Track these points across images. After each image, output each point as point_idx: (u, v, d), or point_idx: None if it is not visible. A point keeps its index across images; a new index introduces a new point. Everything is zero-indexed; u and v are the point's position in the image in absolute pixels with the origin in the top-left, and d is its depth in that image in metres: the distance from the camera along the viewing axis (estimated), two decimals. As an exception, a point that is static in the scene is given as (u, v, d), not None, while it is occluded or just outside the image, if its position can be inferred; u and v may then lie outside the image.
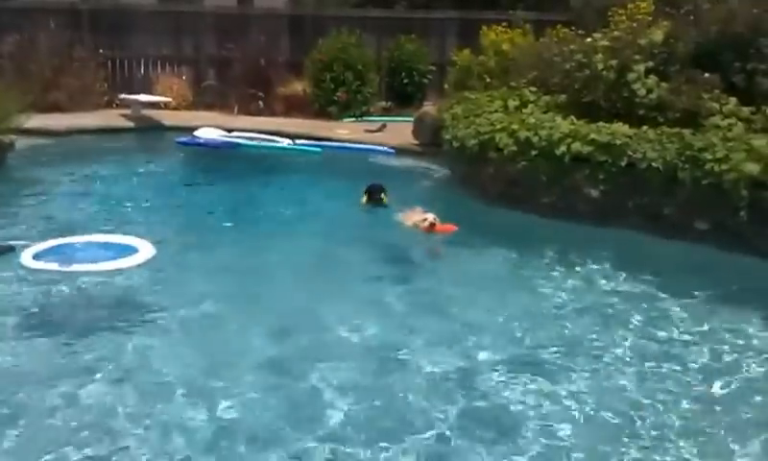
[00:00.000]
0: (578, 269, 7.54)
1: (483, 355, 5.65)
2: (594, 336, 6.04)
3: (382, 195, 9.56)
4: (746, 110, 8.32)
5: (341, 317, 6.21)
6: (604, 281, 7.24)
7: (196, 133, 13.87)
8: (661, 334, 6.09)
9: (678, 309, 6.56)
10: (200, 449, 4.40)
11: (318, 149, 13.27)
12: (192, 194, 10.85)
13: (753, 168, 7.43)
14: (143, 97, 15.90)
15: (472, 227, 8.89)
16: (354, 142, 13.52)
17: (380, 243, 8.38)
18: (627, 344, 5.91)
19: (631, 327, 6.23)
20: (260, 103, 16.39)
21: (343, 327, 6.05)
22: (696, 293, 6.86)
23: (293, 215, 9.63)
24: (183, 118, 15.45)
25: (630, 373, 5.46)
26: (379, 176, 11.66)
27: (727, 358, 5.71)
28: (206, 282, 7.02)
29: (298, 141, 13.66)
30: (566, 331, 6.14)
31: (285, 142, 13.60)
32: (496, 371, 5.42)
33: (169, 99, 16.41)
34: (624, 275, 7.31)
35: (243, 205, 10.23)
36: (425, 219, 8.34)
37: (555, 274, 7.44)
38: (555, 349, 5.78)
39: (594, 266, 7.58)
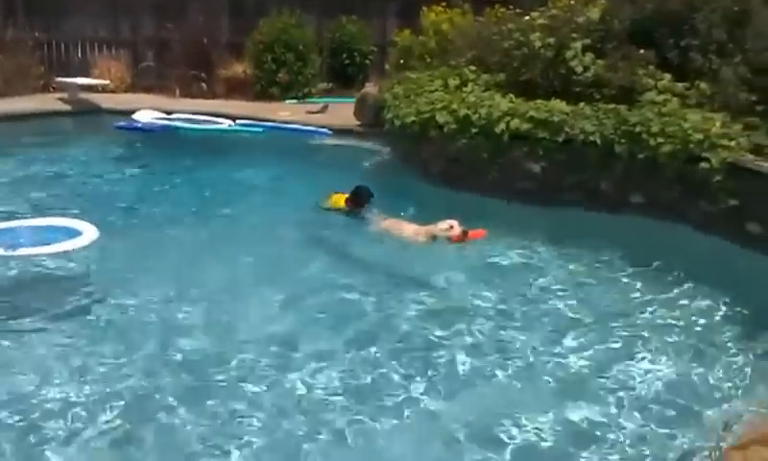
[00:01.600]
0: (519, 244, 7.69)
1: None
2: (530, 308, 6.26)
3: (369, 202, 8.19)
4: (680, 86, 8.47)
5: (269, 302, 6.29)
6: (541, 254, 7.48)
7: (134, 116, 13.66)
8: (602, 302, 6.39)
9: (615, 280, 6.83)
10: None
11: (259, 130, 13.21)
12: (131, 178, 10.73)
13: (687, 142, 7.53)
14: (80, 80, 15.59)
15: (415, 207, 8.93)
16: (293, 123, 13.42)
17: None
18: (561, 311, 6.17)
19: (562, 295, 6.55)
20: (203, 85, 16.20)
21: (265, 313, 6.12)
22: (628, 265, 7.13)
23: (233, 196, 9.59)
24: (122, 101, 15.23)
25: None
26: (321, 157, 11.77)
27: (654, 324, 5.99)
28: (148, 263, 7.13)
29: (239, 122, 13.53)
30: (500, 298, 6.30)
31: (226, 124, 13.48)
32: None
33: (107, 82, 16.18)
34: (561, 248, 7.50)
35: (182, 187, 10.17)
36: (451, 227, 6.85)
37: (497, 250, 7.57)
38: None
39: (533, 241, 7.76)
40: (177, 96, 16.03)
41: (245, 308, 6.21)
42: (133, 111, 13.83)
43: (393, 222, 7.65)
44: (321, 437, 4.50)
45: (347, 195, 8.44)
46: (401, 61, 13.15)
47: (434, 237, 6.95)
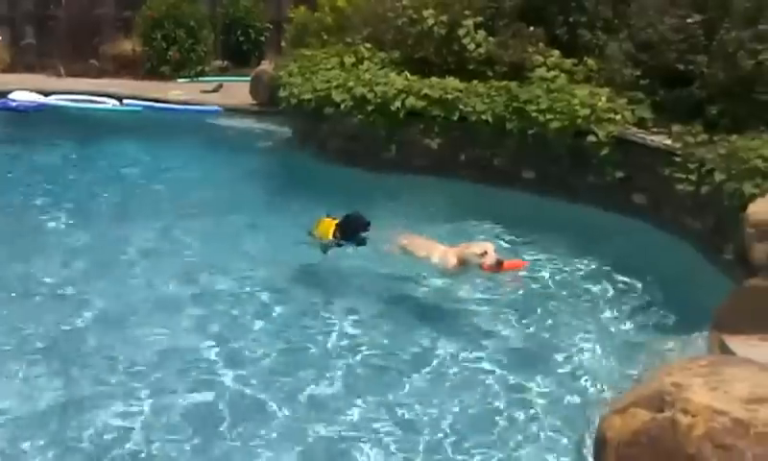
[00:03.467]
0: (419, 220, 7.79)
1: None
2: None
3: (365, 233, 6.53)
4: (568, 62, 8.71)
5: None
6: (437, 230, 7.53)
7: (10, 96, 13.07)
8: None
9: (509, 252, 6.93)
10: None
11: (140, 109, 12.93)
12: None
13: (575, 117, 7.81)
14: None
15: (313, 186, 8.96)
16: (184, 103, 13.11)
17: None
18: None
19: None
20: (94, 62, 15.56)
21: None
22: (519, 236, 7.36)
23: (110, 179, 9.48)
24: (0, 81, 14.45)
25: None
26: (215, 137, 11.54)
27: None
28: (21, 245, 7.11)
29: (125, 102, 13.13)
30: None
31: (111, 103, 13.08)
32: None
33: (-18, 61, 15.33)
34: (458, 224, 7.60)
35: (54, 170, 9.89)
36: (485, 252, 5.66)
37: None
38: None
39: (430, 217, 7.85)
40: (62, 75, 15.34)
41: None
42: (10, 92, 13.22)
43: (416, 240, 6.36)
44: None
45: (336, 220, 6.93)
46: (297, 39, 13.00)
47: (465, 263, 5.81)
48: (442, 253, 5.99)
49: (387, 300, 6.17)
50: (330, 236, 6.55)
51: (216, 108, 12.70)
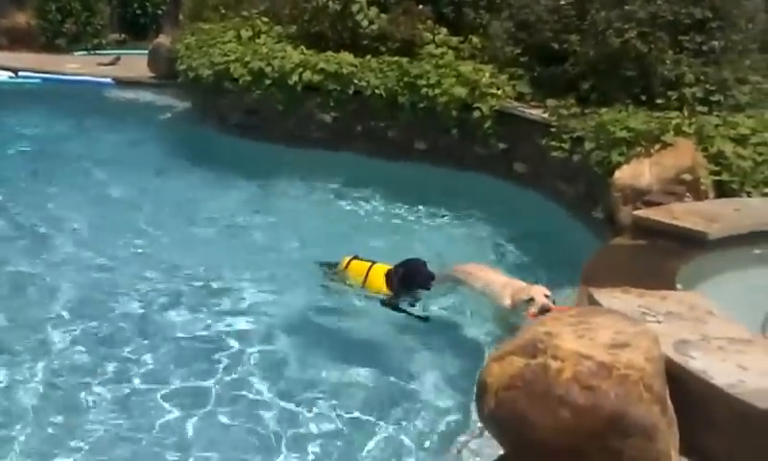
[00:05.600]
0: (313, 190, 8.21)
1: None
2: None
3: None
4: (455, 40, 9.16)
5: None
6: (335, 201, 8.04)
7: None
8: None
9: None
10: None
11: (38, 82, 12.69)
12: None
13: (461, 92, 8.28)
14: None
15: (214, 159, 9.12)
16: (79, 75, 12.95)
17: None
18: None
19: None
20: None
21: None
22: (408, 204, 7.84)
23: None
24: None
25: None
26: (115, 110, 11.43)
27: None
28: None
29: (21, 75, 12.87)
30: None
31: (6, 75, 12.76)
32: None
33: None
34: (353, 192, 8.11)
35: None
36: (531, 298, 5.05)
37: (295, 196, 8.12)
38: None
39: (329, 188, 8.26)
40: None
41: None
42: None
43: (476, 270, 5.68)
44: None
45: (387, 267, 5.73)
46: (195, 12, 12.94)
47: (515, 306, 5.19)
48: (502, 285, 5.37)
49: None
50: (383, 287, 5.55)
51: (110, 80, 12.56)
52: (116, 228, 7.20)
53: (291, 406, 4.61)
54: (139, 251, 6.74)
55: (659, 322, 3.72)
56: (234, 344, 5.25)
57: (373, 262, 5.81)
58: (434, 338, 5.37)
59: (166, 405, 4.59)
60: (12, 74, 12.85)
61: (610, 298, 4.06)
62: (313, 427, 4.44)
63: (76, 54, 14.69)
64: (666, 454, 2.91)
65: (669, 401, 3.02)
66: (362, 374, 4.96)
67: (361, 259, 5.91)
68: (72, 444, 4.23)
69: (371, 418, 4.53)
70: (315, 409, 4.58)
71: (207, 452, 4.23)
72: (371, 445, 4.31)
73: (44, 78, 12.82)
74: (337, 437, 4.40)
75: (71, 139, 10.03)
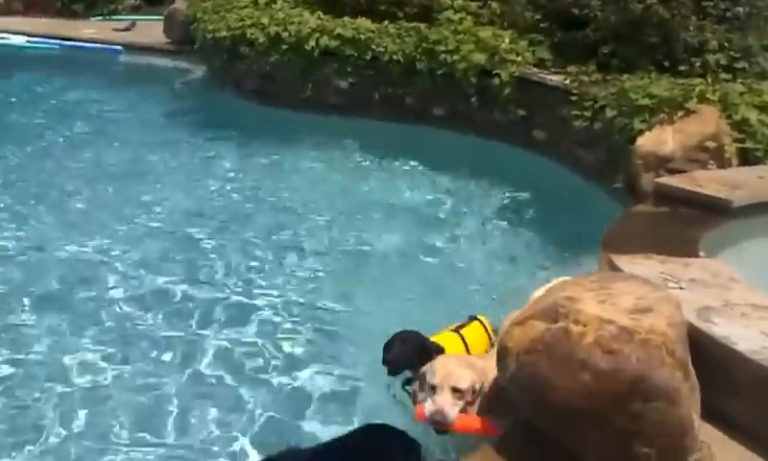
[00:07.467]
0: (332, 156, 8.17)
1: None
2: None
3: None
4: (474, 5, 9.05)
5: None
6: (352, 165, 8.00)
7: None
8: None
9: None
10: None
11: (55, 47, 12.64)
12: None
13: (480, 58, 8.18)
14: None
15: (231, 124, 9.11)
16: (95, 41, 12.88)
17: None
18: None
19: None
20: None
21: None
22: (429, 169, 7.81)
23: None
24: None
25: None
26: (131, 75, 11.41)
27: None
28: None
29: (33, 39, 12.85)
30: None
31: (23, 40, 12.74)
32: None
33: None
34: (371, 158, 8.07)
35: None
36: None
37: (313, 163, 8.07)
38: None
39: (344, 152, 8.22)
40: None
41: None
42: None
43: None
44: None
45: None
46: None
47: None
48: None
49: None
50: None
51: (120, 47, 12.50)
52: (131, 193, 7.19)
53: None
54: (153, 215, 6.74)
55: (681, 288, 3.68)
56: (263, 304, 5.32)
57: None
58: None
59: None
60: (29, 39, 12.81)
61: (631, 264, 4.03)
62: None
63: (92, 19, 14.65)
64: (688, 419, 2.90)
65: (691, 367, 3.01)
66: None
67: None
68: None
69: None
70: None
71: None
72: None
73: (61, 43, 12.76)
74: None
75: (86, 105, 9.99)
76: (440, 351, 3.94)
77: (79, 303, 5.26)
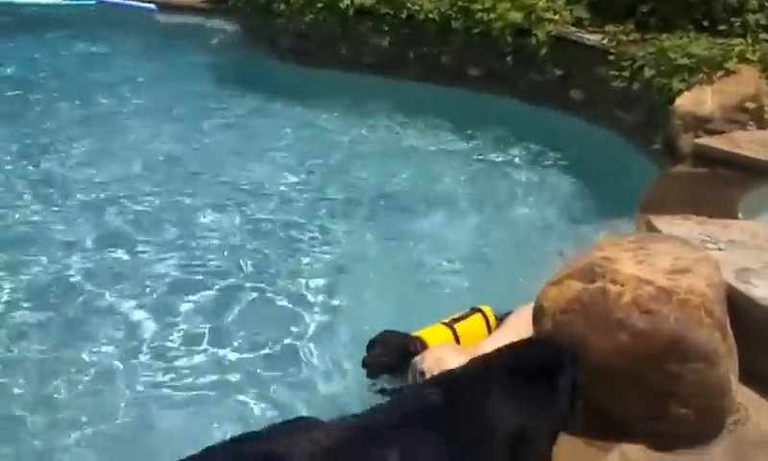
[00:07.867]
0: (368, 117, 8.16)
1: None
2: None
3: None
4: (511, -38, 8.91)
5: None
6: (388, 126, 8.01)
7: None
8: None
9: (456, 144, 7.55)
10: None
11: (92, 4, 12.77)
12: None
13: (516, 16, 8.07)
14: None
15: (265, 84, 9.13)
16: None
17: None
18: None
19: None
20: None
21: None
22: (462, 130, 7.80)
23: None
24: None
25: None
26: (166, 33, 11.46)
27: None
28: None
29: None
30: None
31: (61, -2, 12.89)
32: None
33: None
34: (407, 119, 8.08)
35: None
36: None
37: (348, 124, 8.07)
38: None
39: (382, 115, 8.23)
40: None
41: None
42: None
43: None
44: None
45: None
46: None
47: None
48: None
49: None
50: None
51: (153, 5, 12.52)
52: (168, 154, 7.29)
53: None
54: (189, 176, 6.84)
55: (720, 249, 3.67)
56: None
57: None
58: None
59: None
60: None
61: (669, 225, 4.04)
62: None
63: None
64: (726, 380, 2.91)
65: (729, 328, 3.01)
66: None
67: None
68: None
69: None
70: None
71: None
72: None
73: (98, 1, 12.85)
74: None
75: (120, 64, 10.00)
76: (423, 349, 3.80)
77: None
